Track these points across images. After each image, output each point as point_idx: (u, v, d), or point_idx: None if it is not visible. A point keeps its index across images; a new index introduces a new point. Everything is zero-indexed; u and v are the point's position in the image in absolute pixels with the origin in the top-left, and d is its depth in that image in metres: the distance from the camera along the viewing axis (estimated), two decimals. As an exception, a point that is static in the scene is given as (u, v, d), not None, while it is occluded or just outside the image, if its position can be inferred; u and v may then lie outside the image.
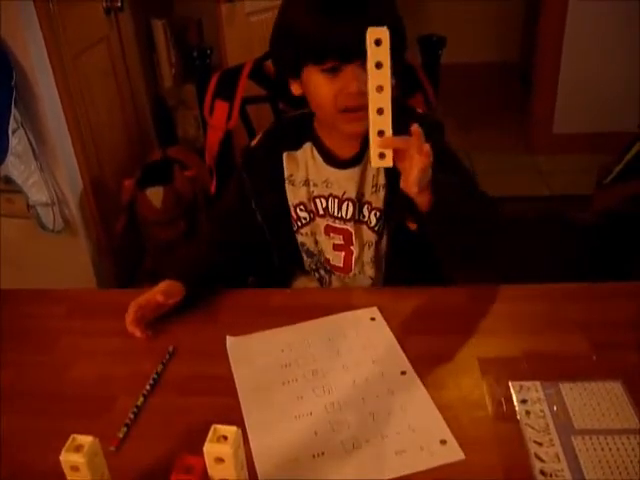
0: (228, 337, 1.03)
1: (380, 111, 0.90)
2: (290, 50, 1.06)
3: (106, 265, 2.38)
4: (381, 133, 0.92)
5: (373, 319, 1.06)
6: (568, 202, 2.88)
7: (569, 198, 2.93)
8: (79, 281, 2.27)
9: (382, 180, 1.13)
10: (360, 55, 0.92)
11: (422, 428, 0.86)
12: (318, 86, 1.05)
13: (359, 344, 1.01)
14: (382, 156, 0.93)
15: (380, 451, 0.83)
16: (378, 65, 0.88)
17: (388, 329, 1.03)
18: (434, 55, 1.34)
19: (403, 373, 0.95)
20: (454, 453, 0.82)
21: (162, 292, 1.07)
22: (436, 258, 1.11)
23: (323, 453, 0.83)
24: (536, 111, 3.35)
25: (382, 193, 1.13)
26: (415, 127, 0.93)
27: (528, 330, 1.04)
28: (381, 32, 0.86)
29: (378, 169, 1.13)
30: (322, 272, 1.24)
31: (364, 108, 0.94)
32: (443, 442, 0.83)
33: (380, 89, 0.89)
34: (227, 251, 1.19)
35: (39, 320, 1.15)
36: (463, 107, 3.64)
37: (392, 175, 1.09)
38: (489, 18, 4.23)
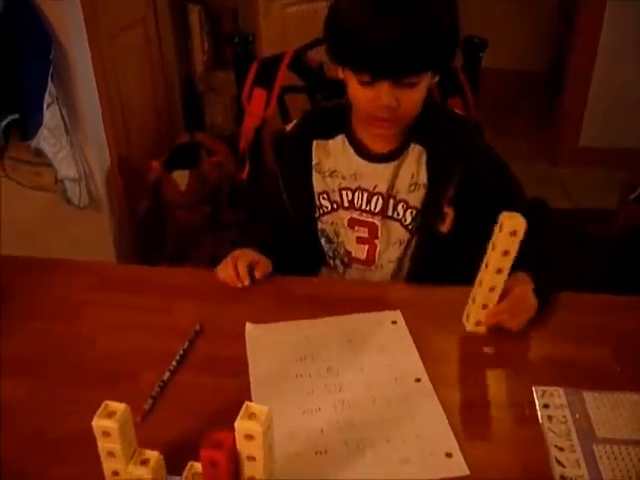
0: (248, 324, 1.04)
1: (492, 289, 0.97)
2: (333, 47, 1.07)
3: (127, 244, 2.39)
4: (485, 306, 0.99)
5: (394, 322, 1.05)
6: (590, 216, 2.87)
7: (592, 212, 2.91)
8: (100, 257, 2.27)
9: (423, 180, 1.14)
10: (394, 74, 0.98)
11: (429, 438, 0.85)
12: (353, 89, 1.07)
13: (377, 347, 1.01)
14: (479, 324, 1.01)
15: (383, 457, 0.82)
16: (505, 253, 0.92)
17: (408, 334, 1.03)
18: (475, 57, 1.35)
19: (418, 380, 0.94)
20: (458, 468, 0.81)
21: (265, 262, 1.13)
22: (465, 262, 1.11)
23: (326, 451, 0.83)
24: (563, 123, 3.34)
25: (421, 192, 1.14)
26: (516, 296, 0.99)
27: (553, 337, 1.04)
28: (519, 224, 0.90)
29: (418, 167, 1.14)
30: (337, 262, 1.25)
31: (391, 119, 1.02)
32: (449, 455, 0.82)
33: (499, 271, 0.95)
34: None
35: (60, 290, 1.16)
36: (490, 113, 3.62)
37: (433, 175, 1.11)
38: (521, 25, 4.22)
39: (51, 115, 2.01)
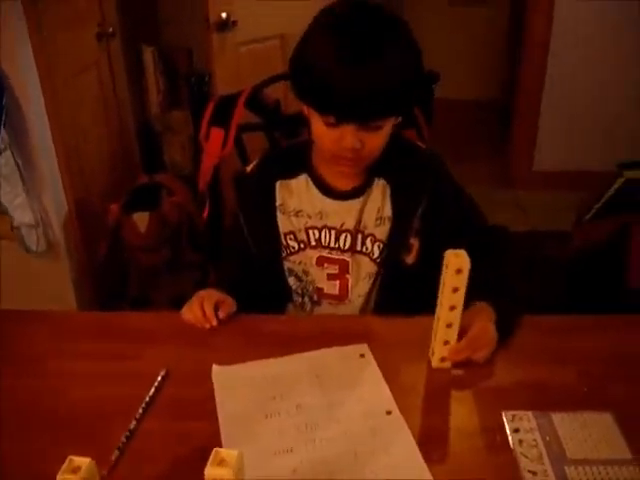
0: (214, 366, 1.02)
1: (449, 325, 0.98)
2: (299, 87, 1.07)
3: (87, 288, 2.35)
4: (446, 342, 0.99)
5: (362, 356, 1.05)
6: (547, 238, 2.93)
7: (548, 234, 2.97)
8: (60, 303, 2.23)
9: (388, 213, 1.15)
10: (360, 118, 1.00)
11: (403, 471, 0.84)
12: (317, 128, 1.08)
13: (346, 381, 1.00)
14: (443, 360, 1.01)
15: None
16: (455, 290, 0.94)
17: (376, 367, 1.02)
18: (428, 90, 1.38)
19: (388, 413, 0.94)
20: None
21: (231, 302, 1.12)
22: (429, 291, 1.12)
23: (299, 493, 0.81)
24: (516, 148, 3.42)
25: (387, 226, 1.15)
26: (475, 332, 1.00)
27: (519, 361, 1.05)
28: (462, 262, 0.92)
29: (383, 201, 1.15)
30: (306, 299, 1.25)
31: (355, 159, 1.05)
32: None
33: (453, 308, 0.96)
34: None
35: (23, 342, 1.13)
36: (447, 141, 3.70)
37: (398, 208, 1.12)
38: (471, 56, 4.35)
39: (4, 162, 1.98)
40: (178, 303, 1.15)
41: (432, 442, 0.89)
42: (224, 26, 2.36)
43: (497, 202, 3.28)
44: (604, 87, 3.17)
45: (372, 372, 1.01)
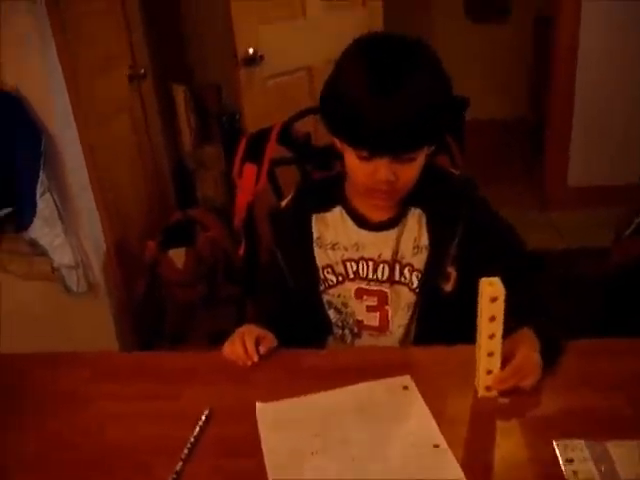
0: (258, 403, 1.02)
1: (491, 354, 0.97)
2: (331, 122, 1.07)
3: (127, 326, 2.38)
4: (489, 372, 0.98)
5: (406, 388, 1.03)
6: (583, 256, 2.88)
7: (584, 252, 2.92)
8: (101, 342, 2.26)
9: (425, 242, 1.14)
10: (393, 151, 1.00)
11: None
12: (351, 162, 1.08)
13: (391, 415, 0.99)
14: (489, 389, 1.00)
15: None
16: (492, 319, 0.93)
17: (421, 399, 1.01)
18: (459, 116, 1.38)
19: (436, 446, 0.92)
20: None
21: (271, 337, 1.12)
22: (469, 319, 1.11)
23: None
24: (549, 166, 3.38)
25: (424, 255, 1.15)
26: (520, 360, 0.98)
27: (565, 387, 1.02)
28: (497, 290, 0.91)
29: (419, 230, 1.15)
30: (346, 332, 1.24)
31: (389, 191, 1.05)
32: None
33: (492, 336, 0.95)
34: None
35: (63, 384, 1.14)
36: (477, 163, 3.68)
37: (435, 237, 1.11)
38: (498, 75, 4.34)
39: (44, 205, 2.02)
40: (215, 339, 1.16)
41: (481, 474, 0.87)
42: (251, 61, 2.40)
43: (531, 223, 3.23)
44: (635, 99, 3.12)
45: (417, 404, 1.00)
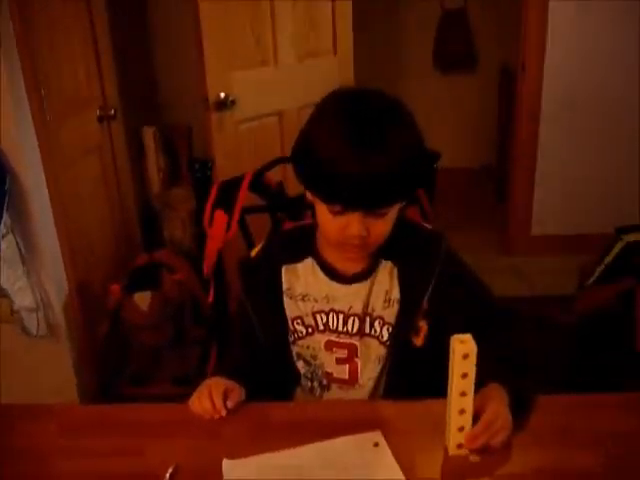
0: (225, 460, 0.99)
1: (462, 411, 0.97)
2: (304, 175, 1.07)
3: (88, 370, 2.32)
4: (461, 429, 0.97)
5: (376, 444, 1.01)
6: (550, 303, 2.91)
7: (551, 298, 2.96)
8: (60, 387, 2.20)
9: (396, 295, 1.14)
10: (366, 206, 1.00)
11: None
12: (323, 216, 1.07)
13: (361, 472, 0.96)
14: (460, 446, 0.99)
15: None
16: (464, 376, 0.93)
17: (391, 456, 0.99)
18: (429, 169, 1.39)
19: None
20: None
21: (239, 390, 1.10)
22: (440, 373, 1.10)
23: None
24: (513, 214, 3.44)
25: (395, 308, 1.14)
26: (489, 416, 0.97)
27: (536, 444, 1.02)
28: (469, 347, 0.91)
29: (390, 283, 1.14)
30: (315, 384, 1.22)
31: (361, 245, 1.04)
32: None
33: (464, 394, 0.95)
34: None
35: (23, 438, 1.09)
36: (443, 210, 3.73)
37: (406, 290, 1.11)
38: (464, 124, 4.44)
39: (6, 246, 1.98)
40: (180, 382, 1.12)
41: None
42: (223, 105, 2.40)
43: (497, 269, 3.28)
44: (596, 150, 3.22)
45: (388, 462, 0.98)
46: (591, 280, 2.56)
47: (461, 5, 4.23)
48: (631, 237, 2.46)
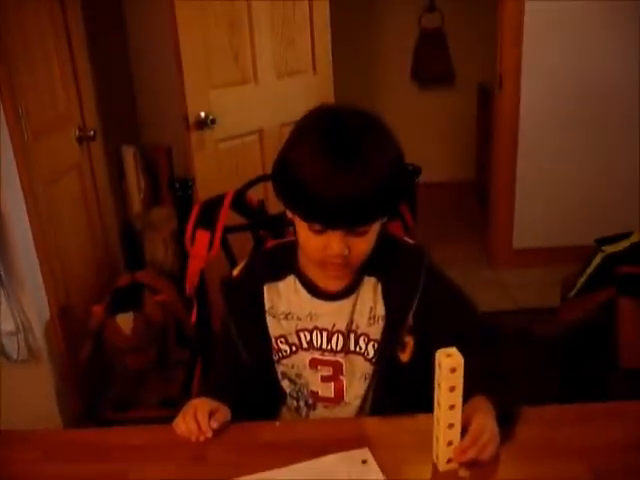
0: None
1: (451, 426, 0.96)
2: (284, 194, 1.06)
3: (70, 394, 2.28)
4: (450, 443, 0.97)
5: (365, 462, 1.00)
6: (533, 315, 2.93)
7: (534, 311, 2.98)
8: (42, 412, 2.16)
9: (381, 311, 1.14)
10: (346, 225, 1.00)
11: None
12: (302, 233, 1.07)
13: (351, 491, 0.95)
14: (449, 461, 0.98)
15: None
16: (452, 389, 0.93)
17: (380, 473, 0.98)
18: (411, 184, 1.40)
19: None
20: None
21: (224, 410, 1.09)
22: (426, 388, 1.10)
23: None
24: (495, 228, 3.47)
25: (380, 324, 1.14)
26: (476, 428, 0.97)
27: (524, 456, 1.01)
28: (455, 361, 0.91)
29: (375, 299, 1.14)
30: (301, 403, 1.21)
31: (342, 264, 1.04)
32: None
33: (452, 407, 0.95)
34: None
35: (6, 465, 1.06)
36: (426, 224, 3.75)
37: (391, 307, 1.11)
38: (444, 139, 4.48)
39: (-15, 270, 1.95)
40: (165, 404, 1.11)
41: None
42: (203, 124, 2.41)
43: (479, 282, 3.30)
44: (575, 163, 3.26)
45: (376, 479, 0.97)
46: (573, 292, 2.58)
47: (438, 24, 4.29)
48: (611, 248, 2.49)
